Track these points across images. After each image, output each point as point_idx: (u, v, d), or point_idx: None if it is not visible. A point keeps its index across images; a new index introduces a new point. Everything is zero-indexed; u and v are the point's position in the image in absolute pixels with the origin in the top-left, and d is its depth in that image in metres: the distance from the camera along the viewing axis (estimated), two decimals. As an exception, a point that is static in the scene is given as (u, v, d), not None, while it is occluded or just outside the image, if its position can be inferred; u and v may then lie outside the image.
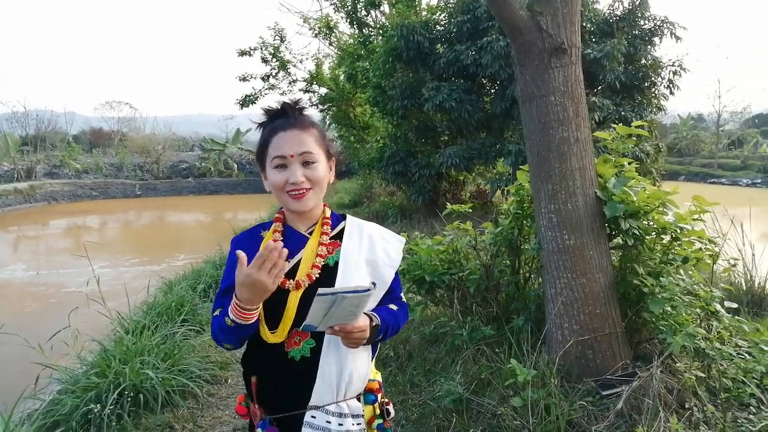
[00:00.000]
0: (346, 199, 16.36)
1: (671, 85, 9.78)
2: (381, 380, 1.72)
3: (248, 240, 1.65)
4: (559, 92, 3.08)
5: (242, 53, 16.76)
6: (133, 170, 32.28)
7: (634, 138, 3.48)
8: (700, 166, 35.49)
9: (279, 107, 1.61)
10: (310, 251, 1.59)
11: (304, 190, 1.53)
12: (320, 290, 1.30)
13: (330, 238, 1.63)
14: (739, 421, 2.60)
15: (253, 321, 1.42)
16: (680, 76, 9.76)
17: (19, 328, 4.27)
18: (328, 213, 1.68)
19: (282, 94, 17.57)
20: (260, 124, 1.62)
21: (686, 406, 2.57)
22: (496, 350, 3.27)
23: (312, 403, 1.51)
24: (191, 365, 4.09)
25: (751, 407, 2.71)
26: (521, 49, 3.13)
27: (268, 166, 1.56)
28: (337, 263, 1.58)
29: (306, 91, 17.77)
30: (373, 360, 1.69)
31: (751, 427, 2.54)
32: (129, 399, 3.57)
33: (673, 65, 9.77)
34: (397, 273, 1.71)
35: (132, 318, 4.89)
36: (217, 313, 1.57)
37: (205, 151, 33.73)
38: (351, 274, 1.56)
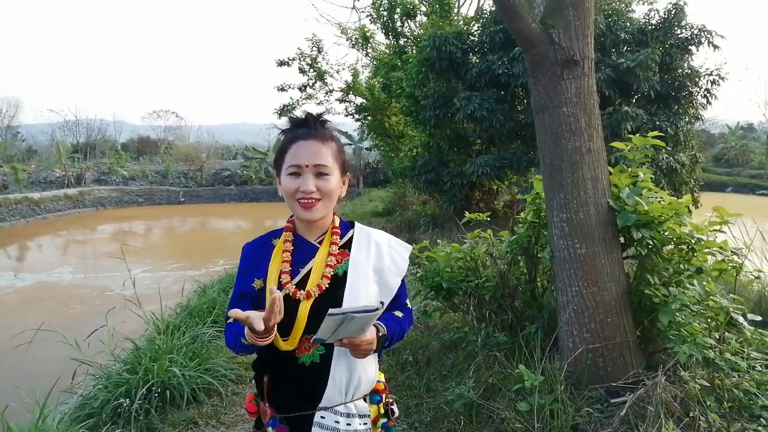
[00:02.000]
0: (380, 208, 16.50)
1: (708, 95, 9.58)
2: (385, 381, 1.78)
3: (260, 247, 1.71)
4: (571, 103, 3.13)
5: (281, 63, 17.16)
6: (177, 177, 33.22)
7: (650, 148, 3.48)
8: (748, 177, 34.41)
9: (302, 117, 1.65)
10: (320, 261, 1.63)
11: (314, 200, 1.58)
12: (331, 310, 1.36)
13: (339, 248, 1.67)
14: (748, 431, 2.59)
15: (268, 343, 1.49)
16: (719, 85, 9.56)
17: (64, 328, 4.51)
18: (337, 222, 1.72)
19: (319, 103, 17.91)
20: (283, 131, 1.67)
21: (690, 415, 2.58)
22: (509, 357, 3.32)
23: (322, 405, 1.58)
24: (217, 364, 4.25)
25: (762, 419, 2.69)
26: (534, 60, 3.20)
27: (283, 172, 1.60)
28: (345, 273, 1.63)
29: (342, 101, 18.06)
30: (378, 362, 1.74)
31: (758, 439, 2.53)
32: (156, 395, 3.75)
33: (710, 74, 9.58)
34: (403, 280, 1.74)
35: (165, 319, 5.11)
36: (231, 320, 1.60)
37: (247, 159, 34.47)
38: (359, 284, 1.62)
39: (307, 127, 1.62)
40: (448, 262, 3.98)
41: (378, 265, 1.68)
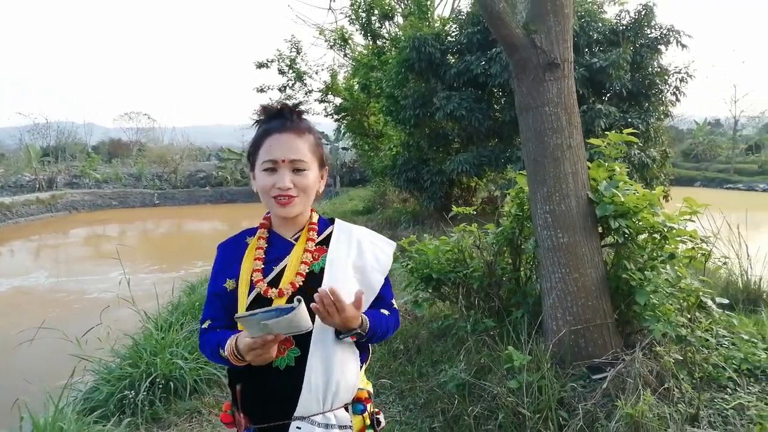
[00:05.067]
0: (360, 206, 16.71)
1: (677, 92, 9.99)
2: (371, 390, 1.68)
3: (233, 246, 1.64)
4: (553, 103, 3.37)
5: (260, 65, 17.26)
6: (151, 180, 32.92)
7: (623, 144, 3.74)
8: (716, 172, 35.40)
9: (277, 107, 1.57)
10: (295, 258, 1.55)
11: (291, 197, 1.50)
12: (237, 315, 1.33)
13: (317, 244, 1.59)
14: (716, 400, 2.86)
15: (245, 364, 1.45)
16: (686, 82, 9.98)
17: (44, 331, 4.57)
18: (315, 218, 1.64)
19: (299, 104, 18.03)
20: (257, 122, 1.59)
21: (665, 386, 2.83)
22: (497, 340, 3.54)
23: (297, 413, 1.47)
24: (217, 357, 4.40)
25: (728, 389, 2.97)
26: (518, 64, 3.43)
27: (258, 167, 1.52)
28: (323, 270, 1.54)
29: (321, 101, 18.20)
30: (363, 369, 1.64)
31: (725, 405, 2.80)
32: (160, 387, 3.90)
33: (679, 72, 9.99)
34: (387, 279, 1.66)
35: (159, 317, 5.24)
36: (205, 326, 1.58)
37: (222, 160, 34.36)
38: (337, 281, 1.51)
39: (281, 119, 1.54)
40: (436, 254, 4.19)
41: (359, 263, 1.60)
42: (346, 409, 1.54)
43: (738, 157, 37.23)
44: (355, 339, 1.51)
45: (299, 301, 1.29)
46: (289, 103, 1.60)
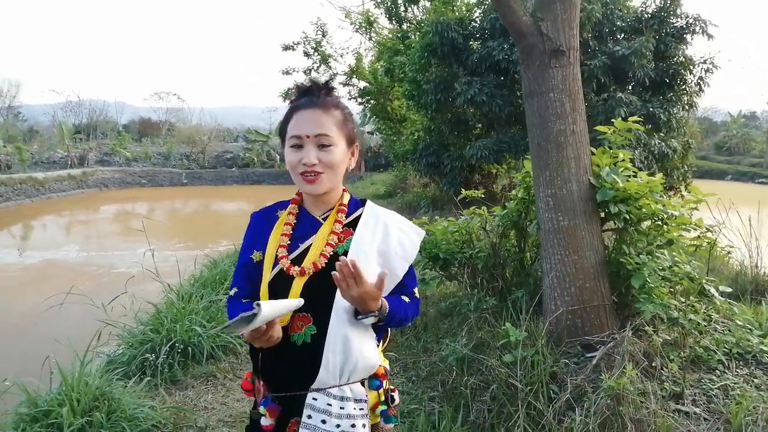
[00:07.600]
0: (381, 190, 16.89)
1: (702, 82, 9.87)
2: (388, 367, 1.70)
3: (265, 218, 1.69)
4: (557, 90, 3.46)
5: (286, 48, 17.44)
6: (179, 159, 33.47)
7: (634, 132, 3.82)
8: (749, 166, 34.54)
9: (307, 84, 1.60)
10: (321, 238, 1.57)
11: (316, 174, 1.52)
12: (214, 329, 1.51)
13: (344, 226, 1.60)
14: (704, 380, 2.98)
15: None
16: (712, 73, 9.84)
17: (73, 301, 4.84)
18: (346, 199, 1.65)
19: (329, 80, 18.29)
20: (291, 101, 1.62)
21: (653, 365, 2.95)
22: (498, 318, 3.68)
23: (314, 386, 1.50)
24: (233, 327, 4.64)
25: (717, 371, 3.07)
26: (525, 50, 3.53)
27: (286, 144, 1.55)
28: (346, 252, 1.55)
29: (346, 84, 18.34)
30: (381, 347, 1.67)
31: (711, 386, 2.92)
32: (179, 351, 4.15)
33: (705, 62, 9.86)
34: (411, 267, 1.67)
35: (181, 288, 5.49)
36: (232, 293, 1.64)
37: (249, 142, 34.75)
38: (359, 263, 1.48)
39: (310, 96, 1.58)
40: (444, 235, 4.33)
41: (383, 247, 1.60)
42: (363, 384, 1.56)
43: (772, 152, 36.31)
44: (373, 321, 1.52)
45: (258, 305, 1.30)
46: (323, 78, 1.66)
